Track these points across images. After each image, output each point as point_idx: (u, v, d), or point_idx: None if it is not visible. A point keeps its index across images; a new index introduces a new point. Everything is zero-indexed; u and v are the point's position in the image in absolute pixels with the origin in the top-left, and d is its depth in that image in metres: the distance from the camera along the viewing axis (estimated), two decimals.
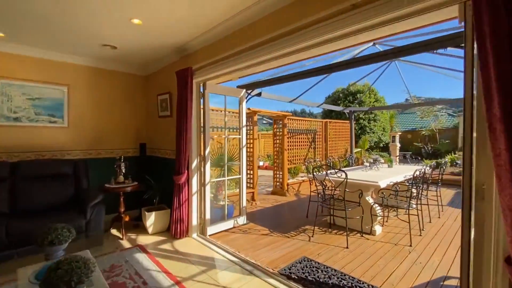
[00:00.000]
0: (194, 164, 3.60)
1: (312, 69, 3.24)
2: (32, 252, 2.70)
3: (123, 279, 2.55)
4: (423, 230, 3.90)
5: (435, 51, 2.28)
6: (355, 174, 4.28)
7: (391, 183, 3.74)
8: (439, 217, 4.57)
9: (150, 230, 3.75)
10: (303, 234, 3.86)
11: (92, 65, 4.19)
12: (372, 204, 3.78)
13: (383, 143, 13.83)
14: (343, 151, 9.12)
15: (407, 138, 15.47)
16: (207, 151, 3.61)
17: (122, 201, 3.80)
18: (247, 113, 5.73)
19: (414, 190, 3.71)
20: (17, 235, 2.66)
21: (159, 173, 4.39)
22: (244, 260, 2.94)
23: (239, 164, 4.13)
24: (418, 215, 3.89)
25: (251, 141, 5.79)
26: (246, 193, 5.55)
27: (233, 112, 4.70)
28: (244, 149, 4.10)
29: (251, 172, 5.77)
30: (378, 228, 3.84)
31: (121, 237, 3.63)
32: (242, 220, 4.13)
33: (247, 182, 5.80)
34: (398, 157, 8.17)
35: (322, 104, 6.93)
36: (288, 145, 6.87)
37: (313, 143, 7.90)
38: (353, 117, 8.23)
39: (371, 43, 4.44)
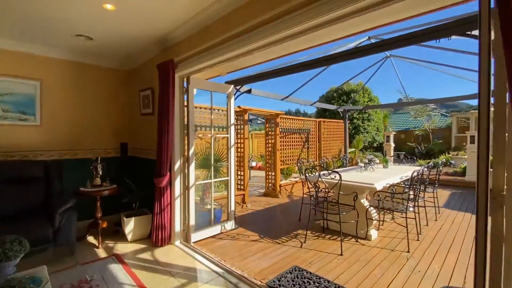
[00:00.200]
0: (177, 165, 3.33)
1: (305, 62, 3.01)
2: None
3: None
4: (420, 234, 3.71)
5: (437, 41, 2.06)
6: (350, 176, 4.07)
7: (387, 185, 3.54)
8: (436, 220, 4.39)
9: (129, 237, 3.45)
10: (294, 239, 3.62)
11: (68, 58, 3.87)
12: (367, 207, 3.57)
13: (377, 143, 13.73)
14: (337, 151, 8.94)
15: (401, 138, 15.44)
16: (191, 151, 3.34)
17: (99, 206, 3.50)
18: (237, 111, 5.48)
19: (411, 192, 3.50)
20: None
21: (141, 175, 4.10)
22: (230, 271, 2.68)
23: (227, 165, 3.86)
24: (415, 218, 3.69)
25: (242, 140, 5.54)
26: (236, 195, 5.30)
27: (220, 110, 4.44)
28: (233, 149, 3.84)
29: (242, 173, 5.51)
30: (373, 233, 3.64)
31: (97, 245, 3.33)
32: (230, 225, 3.87)
33: (237, 184, 5.55)
34: (392, 157, 8.03)
35: (315, 102, 6.72)
36: (281, 145, 6.64)
37: (306, 143, 7.69)
38: (347, 116, 8.05)
39: (366, 37, 4.25)
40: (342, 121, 8.55)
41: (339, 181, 3.21)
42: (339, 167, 8.60)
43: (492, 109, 1.26)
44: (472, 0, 1.43)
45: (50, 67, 3.77)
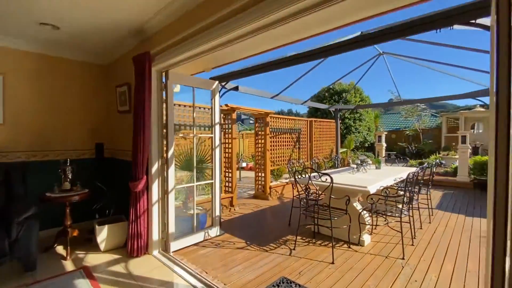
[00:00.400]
0: (154, 168, 3.04)
1: (293, 55, 2.78)
2: None
3: None
4: (414, 238, 3.53)
5: (438, 31, 1.85)
6: (342, 178, 3.87)
7: (381, 188, 3.35)
8: (429, 222, 4.24)
9: (102, 246, 3.14)
10: (283, 246, 3.39)
11: (33, 50, 3.52)
12: (360, 211, 3.37)
13: (368, 142, 13.71)
14: (328, 151, 8.78)
15: (391, 138, 15.49)
16: (170, 153, 3.06)
17: (68, 213, 3.17)
18: (224, 110, 5.22)
19: (407, 194, 3.32)
20: None
21: (119, 178, 3.78)
22: (210, 286, 2.42)
23: (212, 167, 3.59)
24: (410, 222, 3.52)
25: (230, 140, 5.28)
26: (223, 198, 5.04)
27: (205, 108, 4.16)
28: (218, 150, 3.58)
29: (230, 174, 5.25)
30: (366, 238, 3.44)
31: (65, 256, 3.01)
32: (214, 231, 3.60)
33: (225, 186, 5.29)
34: (384, 158, 7.92)
35: (306, 101, 6.52)
36: (271, 145, 6.41)
37: (297, 143, 7.49)
38: (338, 116, 7.90)
39: (359, 32, 4.05)
40: (333, 120, 8.40)
41: (331, 184, 2.99)
42: (330, 167, 8.45)
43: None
44: None
45: (13, 59, 3.41)
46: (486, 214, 4.13)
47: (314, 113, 14.15)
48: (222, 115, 5.27)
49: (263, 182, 6.16)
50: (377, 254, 3.12)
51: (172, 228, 3.11)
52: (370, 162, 4.81)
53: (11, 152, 3.44)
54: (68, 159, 3.30)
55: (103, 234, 3.12)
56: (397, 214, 3.24)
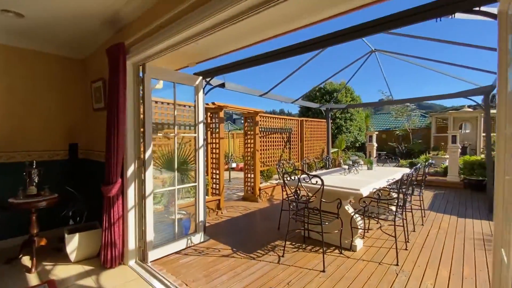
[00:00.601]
0: (130, 170, 2.78)
1: (283, 48, 2.57)
2: None
3: None
4: (408, 242, 3.40)
5: (438, 20, 1.69)
6: (333, 179, 3.70)
7: (374, 190, 3.19)
8: (422, 225, 4.13)
9: (72, 257, 2.86)
10: (272, 252, 3.19)
11: None
12: (352, 214, 3.20)
13: (359, 142, 13.70)
14: (319, 151, 8.65)
15: (382, 138, 15.57)
16: (148, 153, 2.80)
17: (35, 220, 2.87)
18: (211, 108, 4.98)
19: (400, 196, 3.17)
20: None
21: (93, 181, 3.49)
22: None
23: (195, 169, 3.36)
24: (403, 225, 3.38)
25: (217, 140, 5.04)
26: (210, 201, 4.80)
27: (189, 106, 3.92)
28: (202, 151, 3.34)
29: (217, 176, 5.01)
30: (359, 242, 3.28)
31: (30, 268, 2.71)
32: (198, 237, 3.36)
33: (212, 188, 5.05)
34: (376, 158, 7.83)
35: (297, 100, 6.35)
36: (261, 145, 6.21)
37: (288, 143, 7.32)
38: (329, 115, 7.76)
39: None
40: (324, 120, 8.27)
41: (321, 187, 2.80)
42: (321, 168, 8.31)
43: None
44: None
45: None
46: (478, 215, 4.00)
47: (305, 113, 14.06)
48: (209, 113, 5.04)
49: (252, 184, 5.95)
50: (370, 260, 2.95)
51: (150, 236, 2.86)
52: (362, 162, 4.67)
53: None
54: (34, 161, 2.99)
55: (73, 243, 2.84)
56: (390, 218, 3.08)
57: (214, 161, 5.09)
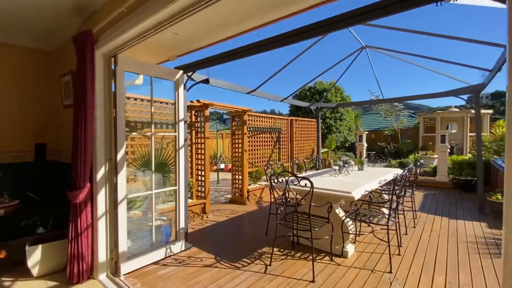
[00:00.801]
0: (100, 173, 2.50)
1: (267, 39, 2.35)
2: None
3: None
4: (401, 246, 3.26)
5: (439, 3, 1.51)
6: (323, 181, 3.52)
7: (366, 192, 3.02)
8: (414, 227, 4.01)
9: (35, 271, 2.55)
10: (258, 261, 2.97)
11: None
12: (343, 218, 3.02)
13: (349, 142, 13.70)
14: (309, 151, 8.51)
15: (371, 138, 15.64)
16: (120, 155, 2.53)
17: None
18: (196, 106, 4.72)
19: (393, 198, 3.01)
20: None
21: (63, 185, 3.16)
22: None
23: (175, 171, 3.09)
24: (396, 229, 3.23)
25: (203, 140, 4.78)
26: (195, 205, 4.54)
27: (172, 104, 3.64)
28: (182, 151, 3.08)
29: (203, 178, 4.75)
30: (350, 248, 3.10)
31: None
32: (179, 246, 3.10)
33: (197, 191, 4.79)
34: (367, 159, 7.75)
35: (286, 98, 6.16)
36: (249, 146, 5.98)
37: (277, 143, 7.12)
38: (319, 115, 7.63)
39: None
40: (315, 120, 8.13)
41: (311, 190, 2.61)
42: (311, 168, 8.17)
43: None
44: None
45: None
46: (469, 216, 3.85)
47: (295, 112, 13.94)
48: (193, 112, 4.77)
49: (240, 186, 5.72)
50: (362, 268, 2.78)
51: (123, 246, 2.58)
52: (353, 163, 4.52)
53: None
54: None
55: (36, 256, 2.53)
56: (383, 221, 2.92)
57: (199, 162, 4.82)
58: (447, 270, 2.72)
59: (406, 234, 3.72)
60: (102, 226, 2.52)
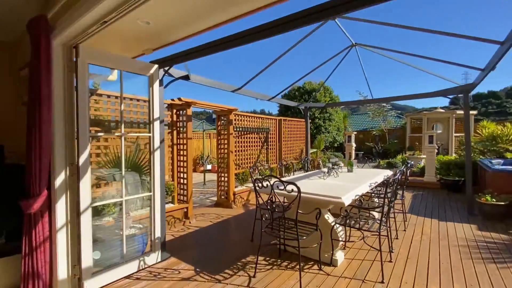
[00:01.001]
0: (60, 179, 2.20)
1: (248, 30, 2.13)
2: None
3: None
4: (392, 252, 3.10)
5: None
6: (311, 185, 3.33)
7: (357, 197, 2.84)
8: (405, 230, 3.88)
9: None
10: (242, 271, 2.73)
11: None
12: (332, 224, 2.83)
13: (338, 143, 13.68)
14: (298, 152, 8.35)
15: (359, 138, 15.71)
16: (83, 158, 2.24)
17: None
18: (177, 105, 4.43)
19: (385, 202, 2.85)
20: None
21: (19, 191, 2.82)
22: None
23: (150, 175, 2.81)
24: (387, 235, 3.07)
25: (185, 141, 4.50)
26: (176, 210, 4.25)
27: (145, 101, 3.36)
28: (158, 154, 2.81)
29: (185, 181, 4.47)
30: (340, 255, 2.92)
31: None
32: (154, 257, 2.82)
33: (179, 195, 4.50)
34: (356, 160, 7.65)
35: (274, 97, 5.95)
36: (236, 146, 5.74)
37: (265, 144, 6.91)
38: (308, 115, 7.47)
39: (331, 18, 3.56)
40: (303, 120, 7.97)
41: (298, 195, 2.39)
42: (300, 169, 8.00)
43: None
44: None
45: None
46: (458, 218, 3.70)
47: (284, 112, 13.82)
48: (175, 111, 4.48)
49: (226, 188, 5.47)
50: (352, 278, 2.59)
51: (88, 260, 2.29)
52: (342, 164, 4.36)
53: None
54: None
55: None
56: (374, 227, 2.75)
57: (181, 164, 4.54)
58: (440, 279, 2.57)
59: (397, 238, 3.58)
60: (62, 239, 2.22)
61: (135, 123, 3.65)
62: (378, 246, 2.64)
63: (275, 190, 2.51)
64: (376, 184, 3.55)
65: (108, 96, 3.51)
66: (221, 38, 2.32)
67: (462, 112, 11.23)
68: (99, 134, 3.05)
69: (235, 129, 5.68)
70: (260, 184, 2.62)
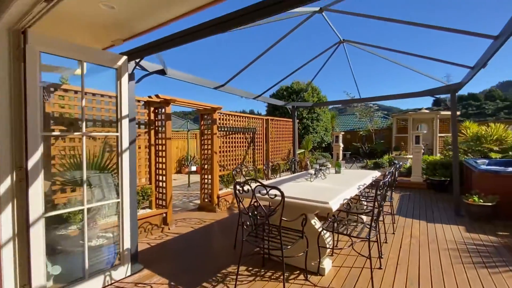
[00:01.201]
0: (4, 186, 1.88)
1: (219, 18, 1.90)
2: None
3: None
4: (382, 257, 2.95)
5: None
6: (297, 188, 3.13)
7: (345, 201, 2.66)
8: (393, 233, 3.76)
9: None
10: (222, 284, 2.49)
11: None
12: (319, 230, 2.64)
13: (325, 143, 13.66)
14: (286, 152, 8.18)
15: (347, 138, 15.79)
16: (33, 161, 1.93)
17: None
18: (155, 103, 4.12)
19: (375, 205, 2.68)
20: None
21: None
22: None
23: (118, 179, 2.52)
24: (377, 240, 2.91)
25: (163, 141, 4.20)
26: (153, 216, 3.94)
27: (106, 96, 3.07)
28: (126, 155, 2.52)
29: (164, 185, 4.17)
30: (327, 263, 2.73)
31: None
32: (123, 271, 2.53)
33: (157, 199, 4.20)
34: (344, 161, 7.54)
35: (260, 96, 5.74)
36: (220, 147, 5.49)
37: (252, 144, 6.69)
38: (296, 114, 7.32)
39: (317, 8, 3.39)
40: (291, 120, 7.81)
41: (282, 201, 2.18)
42: (287, 170, 7.83)
43: None
44: None
45: None
46: (446, 219, 3.53)
47: (272, 112, 13.66)
48: (152, 109, 4.18)
49: (209, 191, 5.20)
50: None
51: (40, 279, 1.98)
52: (330, 165, 4.20)
53: None
54: None
55: None
56: (363, 232, 2.58)
57: (159, 166, 4.24)
58: (432, 285, 2.43)
59: (386, 242, 3.44)
60: (8, 256, 1.90)
61: (105, 122, 3.33)
62: (368, 252, 2.47)
63: (257, 195, 2.29)
64: (365, 186, 3.40)
65: (75, 92, 3.18)
66: (196, 25, 2.07)
67: (446, 113, 11.47)
68: (54, 133, 2.72)
69: (219, 129, 5.43)
70: (241, 190, 2.39)
